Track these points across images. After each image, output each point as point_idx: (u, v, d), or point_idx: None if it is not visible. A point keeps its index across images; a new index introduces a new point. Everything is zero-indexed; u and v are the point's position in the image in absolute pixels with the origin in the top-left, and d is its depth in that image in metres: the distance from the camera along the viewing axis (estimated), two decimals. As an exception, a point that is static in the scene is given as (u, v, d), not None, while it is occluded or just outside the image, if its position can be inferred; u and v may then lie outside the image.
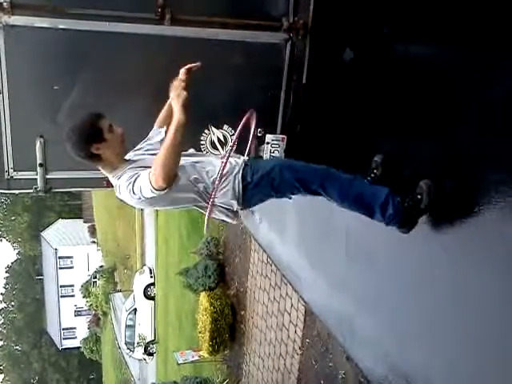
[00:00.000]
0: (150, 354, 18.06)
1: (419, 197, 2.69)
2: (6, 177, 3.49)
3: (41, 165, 3.48)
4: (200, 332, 7.20)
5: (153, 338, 17.60)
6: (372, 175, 3.17)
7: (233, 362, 7.20)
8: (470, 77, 2.66)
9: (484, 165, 2.52)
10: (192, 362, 8.02)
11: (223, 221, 2.87)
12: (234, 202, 2.69)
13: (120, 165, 2.62)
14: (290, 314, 5.02)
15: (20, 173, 3.51)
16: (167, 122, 2.72)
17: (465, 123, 2.68)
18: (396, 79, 3.24)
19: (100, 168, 2.70)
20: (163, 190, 2.38)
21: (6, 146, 3.41)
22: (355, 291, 3.79)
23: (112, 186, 3.03)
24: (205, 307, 6.98)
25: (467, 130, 2.65)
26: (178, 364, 8.07)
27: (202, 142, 3.76)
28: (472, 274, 2.59)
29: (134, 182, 2.47)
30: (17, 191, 3.68)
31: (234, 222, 2.91)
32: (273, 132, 3.84)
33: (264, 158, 3.82)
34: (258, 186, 2.70)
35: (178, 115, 2.41)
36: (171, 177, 2.38)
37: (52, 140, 3.46)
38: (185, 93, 2.48)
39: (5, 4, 3.02)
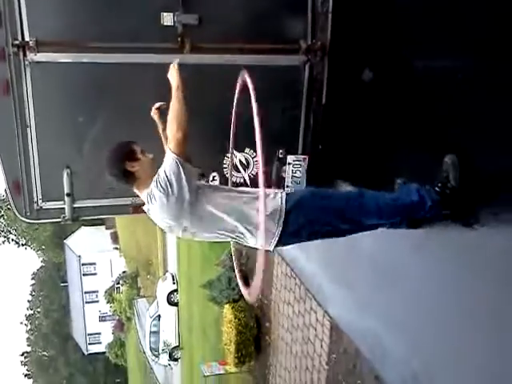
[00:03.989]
0: (175, 360, 18.22)
1: (446, 174, 2.71)
2: (35, 207, 3.58)
3: (68, 194, 3.57)
4: (225, 344, 7.26)
5: (177, 344, 17.75)
6: None
7: (258, 374, 7.24)
8: (489, 89, 2.65)
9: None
10: (218, 374, 8.09)
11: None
12: (270, 236, 2.60)
13: None
14: (315, 329, 5.03)
15: (48, 203, 3.60)
16: None
17: (484, 138, 2.68)
18: (415, 97, 3.25)
19: (134, 188, 2.73)
20: (183, 146, 2.53)
21: (35, 178, 3.50)
22: (382, 308, 3.80)
23: (139, 212, 3.11)
24: (229, 319, 7.03)
25: (488, 145, 2.65)
26: (205, 376, 8.14)
27: (224, 166, 3.80)
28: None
29: (158, 173, 2.56)
30: (46, 221, 3.77)
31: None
32: (294, 153, 3.87)
33: (286, 178, 3.86)
34: (291, 215, 2.63)
35: (175, 91, 2.67)
36: (185, 128, 2.56)
37: (78, 170, 3.55)
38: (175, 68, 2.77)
39: (31, 43, 3.11)
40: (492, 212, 2.66)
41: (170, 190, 2.50)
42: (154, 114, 3.06)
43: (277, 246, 2.69)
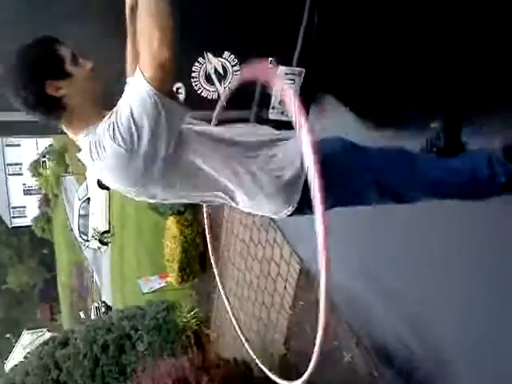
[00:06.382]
0: (105, 244, 17.85)
1: None
2: None
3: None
4: (168, 260, 6.57)
5: (107, 229, 17.21)
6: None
7: (202, 291, 6.69)
8: None
9: None
10: (159, 289, 7.48)
11: None
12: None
13: (98, 120, 1.54)
14: (278, 265, 4.37)
15: None
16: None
17: None
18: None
19: (64, 127, 1.62)
20: (169, 76, 1.44)
21: None
22: (372, 270, 3.14)
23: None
24: (174, 235, 6.27)
25: None
26: (144, 294, 7.50)
27: (193, 75, 2.77)
28: None
29: (118, 110, 1.48)
30: None
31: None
32: (288, 64, 2.91)
33: (274, 94, 2.94)
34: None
35: None
36: (173, 43, 1.41)
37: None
38: None
39: None
40: None
41: (136, 140, 1.43)
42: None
43: (291, 215, 1.79)
